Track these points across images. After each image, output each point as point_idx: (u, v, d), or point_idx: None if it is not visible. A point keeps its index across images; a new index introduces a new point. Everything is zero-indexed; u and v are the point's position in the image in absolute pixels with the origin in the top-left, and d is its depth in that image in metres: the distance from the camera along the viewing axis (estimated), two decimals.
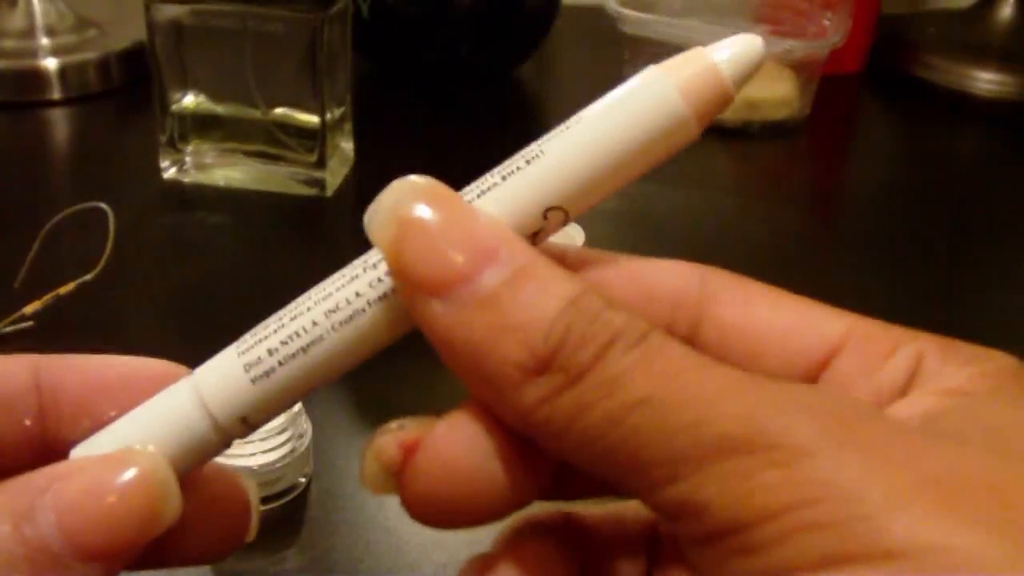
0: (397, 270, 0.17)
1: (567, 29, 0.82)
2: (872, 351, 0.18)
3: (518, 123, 0.77)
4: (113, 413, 0.19)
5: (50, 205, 0.52)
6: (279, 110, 0.60)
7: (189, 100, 0.60)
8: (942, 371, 0.18)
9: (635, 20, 0.73)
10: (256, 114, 0.60)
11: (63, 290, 0.47)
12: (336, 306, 0.18)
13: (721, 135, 0.71)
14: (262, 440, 0.37)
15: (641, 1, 0.74)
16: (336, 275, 0.19)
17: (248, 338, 0.18)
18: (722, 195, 0.67)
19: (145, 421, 0.19)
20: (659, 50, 0.74)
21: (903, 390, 0.18)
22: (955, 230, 0.64)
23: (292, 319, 0.18)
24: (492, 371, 0.16)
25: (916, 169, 0.74)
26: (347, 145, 0.63)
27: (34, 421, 0.19)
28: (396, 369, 0.36)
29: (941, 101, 0.81)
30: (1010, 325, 0.54)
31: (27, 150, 0.68)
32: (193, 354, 0.20)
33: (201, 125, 0.61)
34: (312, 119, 0.59)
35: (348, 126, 0.63)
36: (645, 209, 0.64)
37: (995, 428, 0.16)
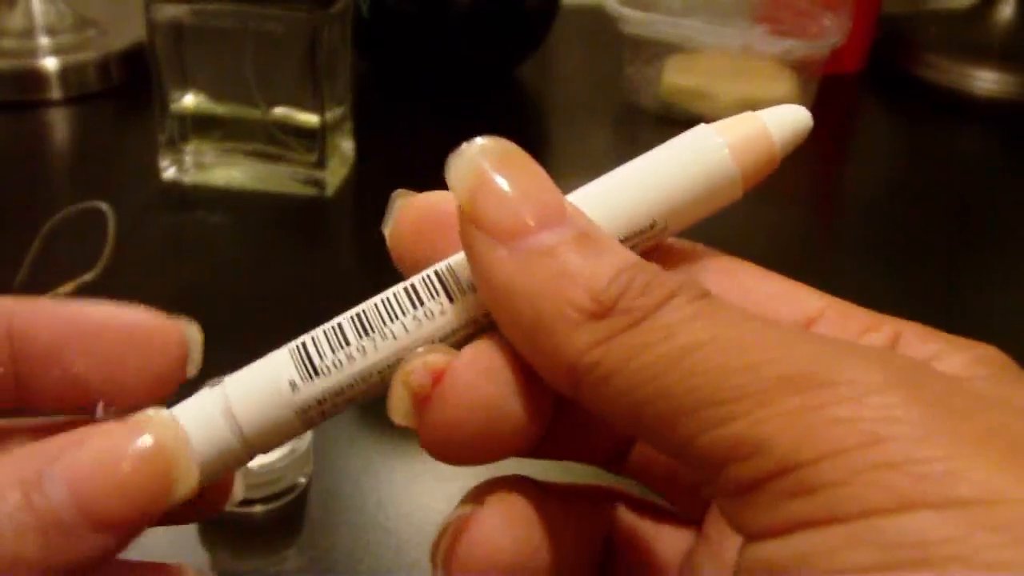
0: (468, 215, 0.17)
1: (567, 29, 0.81)
2: (849, 325, 0.19)
3: (518, 123, 0.77)
4: (80, 367, 0.19)
5: (50, 205, 0.52)
6: (279, 110, 0.60)
7: (189, 100, 0.60)
8: (922, 349, 0.18)
9: (635, 20, 0.73)
10: (256, 114, 0.60)
11: (63, 290, 0.47)
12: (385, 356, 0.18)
13: None
14: None
15: (641, 1, 0.74)
16: (381, 302, 0.19)
17: (305, 368, 0.18)
18: None
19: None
20: (659, 50, 0.74)
21: None
22: (955, 230, 0.64)
23: (348, 358, 0.18)
24: (549, 313, 0.16)
25: (916, 169, 0.74)
26: (347, 145, 0.63)
27: (7, 368, 0.19)
28: None
29: (941, 101, 0.81)
30: (1010, 325, 0.53)
31: (27, 150, 0.68)
32: None
33: (201, 125, 0.61)
34: (312, 119, 0.59)
35: (348, 126, 0.63)
36: None
37: (1019, 404, 0.16)
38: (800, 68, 0.73)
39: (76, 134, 0.71)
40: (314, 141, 0.59)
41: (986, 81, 0.80)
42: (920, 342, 0.18)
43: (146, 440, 0.17)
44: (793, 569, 0.14)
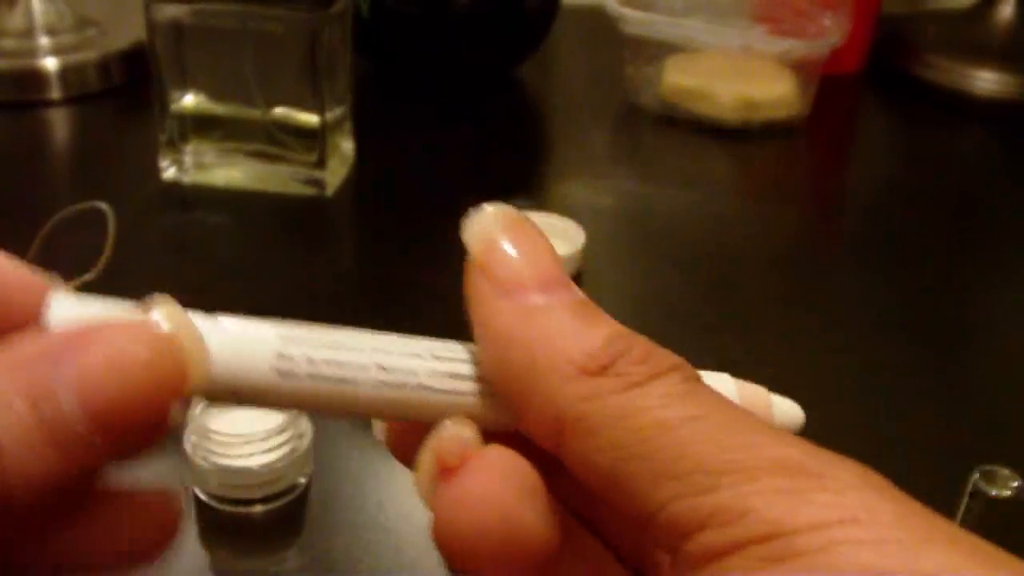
0: (480, 268, 0.18)
1: (567, 29, 0.81)
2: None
3: (518, 123, 0.77)
4: None
5: (50, 205, 0.52)
6: (279, 110, 0.60)
7: (189, 100, 0.60)
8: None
9: (635, 20, 0.73)
10: (256, 114, 0.60)
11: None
12: (391, 367, 0.19)
13: (721, 135, 0.71)
14: (262, 440, 0.37)
15: (641, 1, 0.74)
16: (404, 339, 0.19)
17: (297, 333, 0.19)
18: (722, 195, 0.67)
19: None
20: (659, 50, 0.75)
21: None
22: (955, 230, 0.64)
23: (348, 350, 0.18)
24: (543, 363, 0.17)
25: (916, 169, 0.74)
26: (347, 145, 0.63)
27: None
28: None
29: (941, 101, 0.81)
30: (1010, 325, 0.54)
31: (27, 150, 0.68)
32: None
33: (201, 125, 0.61)
34: (312, 119, 0.59)
35: (348, 126, 0.63)
36: (645, 209, 0.64)
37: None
38: (800, 68, 0.73)
39: (76, 134, 0.71)
40: (314, 141, 0.59)
41: (986, 81, 0.80)
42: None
43: (157, 339, 0.16)
44: None
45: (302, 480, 0.39)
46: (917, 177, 0.72)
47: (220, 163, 0.61)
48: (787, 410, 0.21)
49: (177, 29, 0.58)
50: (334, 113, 0.60)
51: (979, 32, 0.86)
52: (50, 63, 0.71)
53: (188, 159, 0.61)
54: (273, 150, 0.60)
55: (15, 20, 0.73)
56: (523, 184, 0.67)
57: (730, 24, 0.74)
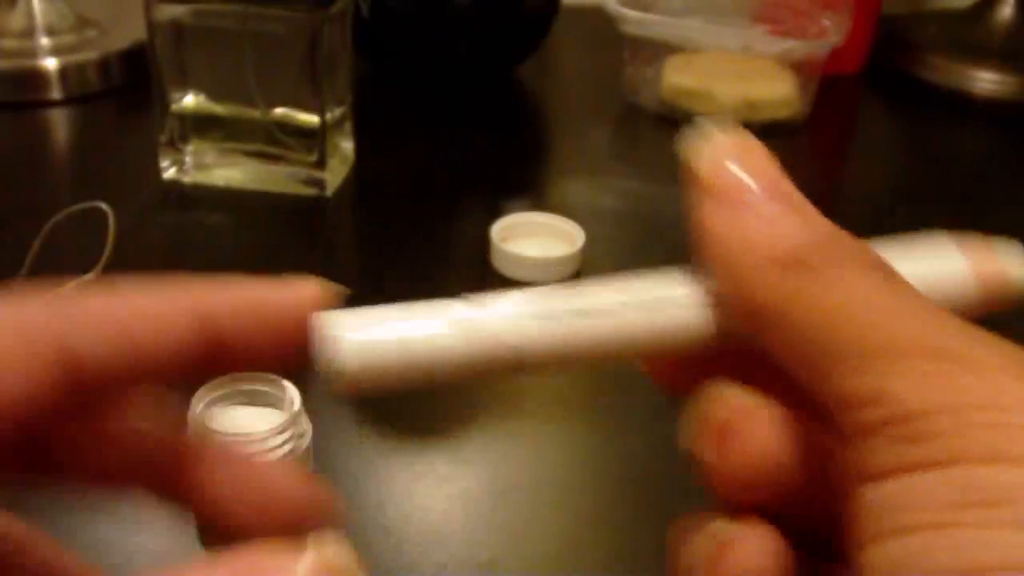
0: (702, 183, 0.20)
1: (567, 29, 0.81)
2: None
3: (518, 123, 0.77)
4: None
5: (50, 205, 0.52)
6: (279, 110, 0.60)
7: (189, 100, 0.60)
8: None
9: (635, 20, 0.73)
10: (256, 114, 0.60)
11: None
12: (631, 297, 0.20)
13: None
14: (262, 440, 0.37)
15: (641, 1, 0.74)
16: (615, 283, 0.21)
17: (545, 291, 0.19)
18: None
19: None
20: (659, 50, 0.75)
21: None
22: (955, 229, 0.64)
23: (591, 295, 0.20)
24: (751, 260, 0.19)
25: (916, 169, 0.74)
26: (347, 145, 0.63)
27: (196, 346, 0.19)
28: None
29: (941, 101, 0.81)
30: (1010, 325, 0.53)
31: (27, 150, 0.68)
32: None
33: (201, 125, 0.61)
34: (312, 119, 0.59)
35: (348, 126, 0.63)
36: (645, 209, 0.64)
37: None
38: (800, 68, 0.73)
39: (76, 134, 0.71)
40: (314, 141, 0.59)
41: (986, 81, 0.80)
42: None
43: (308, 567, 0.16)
44: (898, 507, 0.15)
45: None
46: (917, 177, 0.72)
47: (220, 163, 0.61)
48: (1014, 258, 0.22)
49: (177, 29, 0.58)
50: (334, 113, 0.60)
51: (979, 32, 0.86)
52: (50, 63, 0.71)
53: (188, 159, 0.61)
54: (273, 150, 0.60)
55: (15, 20, 0.73)
56: (523, 184, 0.67)
57: (730, 24, 0.74)
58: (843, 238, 0.19)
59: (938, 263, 0.22)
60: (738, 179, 0.20)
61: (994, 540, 0.14)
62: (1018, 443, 0.15)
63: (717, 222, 0.20)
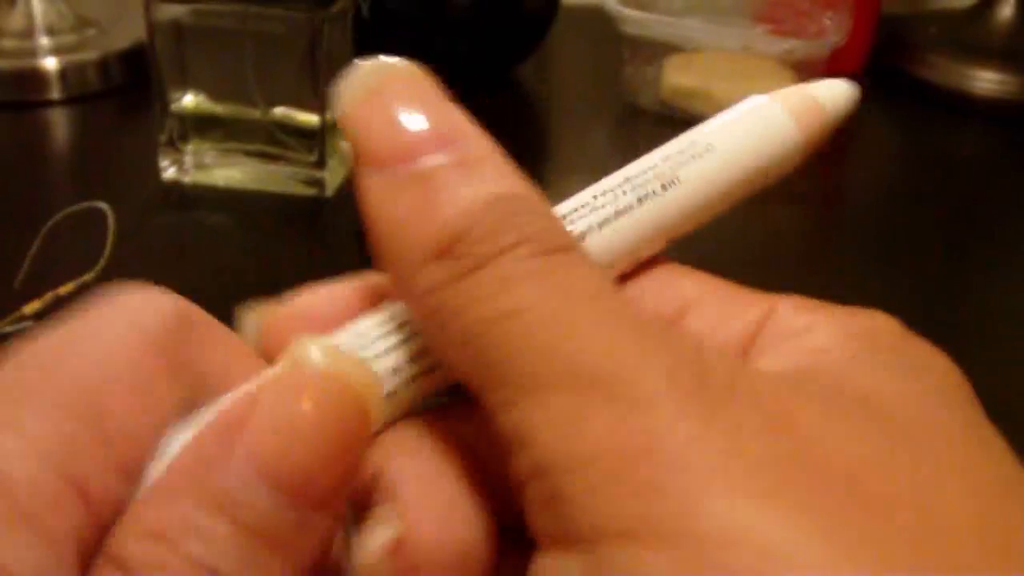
0: (349, 136, 0.17)
1: (567, 29, 0.81)
2: (724, 309, 0.18)
3: (518, 123, 0.77)
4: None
5: (50, 205, 0.52)
6: (279, 110, 0.60)
7: (189, 100, 0.60)
8: (795, 322, 0.17)
9: (635, 20, 0.73)
10: (256, 114, 0.60)
11: (63, 290, 0.47)
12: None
13: None
14: None
15: (641, 1, 0.74)
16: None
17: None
18: None
19: None
20: (659, 50, 0.74)
21: (751, 338, 0.17)
22: (955, 230, 0.64)
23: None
24: (401, 249, 0.15)
25: (916, 169, 0.74)
26: (347, 145, 0.63)
27: None
28: None
29: (941, 101, 0.81)
30: (1010, 325, 0.53)
31: (27, 150, 0.68)
32: None
33: (201, 125, 0.61)
34: (312, 119, 0.59)
35: None
36: None
37: (858, 398, 0.14)
38: (800, 68, 0.73)
39: (76, 134, 0.71)
40: (314, 141, 0.59)
41: (986, 81, 0.80)
42: (794, 314, 0.17)
43: (316, 400, 0.14)
44: None
45: None
46: (917, 177, 0.72)
47: (220, 163, 0.61)
48: (835, 94, 0.20)
49: (177, 29, 0.58)
50: (334, 113, 0.60)
51: (979, 32, 0.85)
52: (50, 63, 0.71)
53: (188, 159, 0.61)
54: (273, 150, 0.60)
55: (15, 20, 0.73)
56: None
57: (730, 24, 0.74)
58: (507, 207, 0.15)
59: (753, 115, 0.20)
60: (390, 129, 0.16)
61: None
62: (667, 507, 0.12)
63: (372, 199, 0.16)
